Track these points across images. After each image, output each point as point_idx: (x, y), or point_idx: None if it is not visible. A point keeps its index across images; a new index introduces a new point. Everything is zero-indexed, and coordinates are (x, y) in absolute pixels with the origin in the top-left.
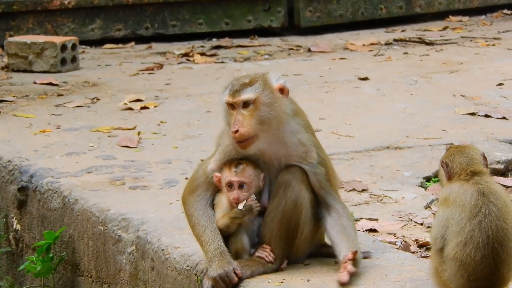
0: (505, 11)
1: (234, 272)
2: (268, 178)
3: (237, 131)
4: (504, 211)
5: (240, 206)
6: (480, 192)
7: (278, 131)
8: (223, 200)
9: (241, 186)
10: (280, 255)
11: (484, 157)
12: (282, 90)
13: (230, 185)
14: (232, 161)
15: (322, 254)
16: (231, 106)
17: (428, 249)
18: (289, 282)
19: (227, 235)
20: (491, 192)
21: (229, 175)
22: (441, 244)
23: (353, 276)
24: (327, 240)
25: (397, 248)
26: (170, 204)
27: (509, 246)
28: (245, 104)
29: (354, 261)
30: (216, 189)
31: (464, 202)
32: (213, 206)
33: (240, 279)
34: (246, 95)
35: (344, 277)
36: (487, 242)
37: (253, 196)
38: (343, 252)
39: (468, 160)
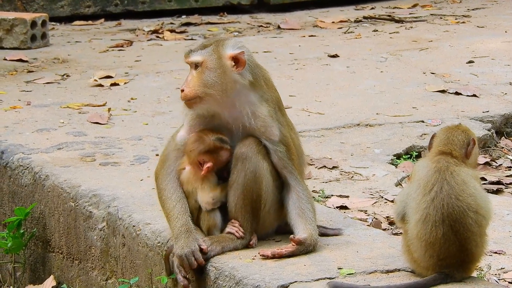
0: None
1: (201, 250)
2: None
3: (182, 90)
4: (459, 189)
5: None
6: (436, 169)
7: (226, 98)
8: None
9: None
10: (248, 228)
11: (471, 143)
12: (237, 59)
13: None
14: (212, 141)
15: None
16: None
17: None
18: (260, 258)
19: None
20: (449, 171)
21: (227, 152)
22: (400, 217)
23: (278, 258)
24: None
25: (368, 225)
26: (141, 180)
27: (467, 223)
28: (195, 66)
29: (301, 244)
30: None
31: (420, 178)
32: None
33: (207, 255)
34: (194, 57)
35: (266, 252)
36: (442, 219)
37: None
38: (299, 235)
39: (444, 139)
